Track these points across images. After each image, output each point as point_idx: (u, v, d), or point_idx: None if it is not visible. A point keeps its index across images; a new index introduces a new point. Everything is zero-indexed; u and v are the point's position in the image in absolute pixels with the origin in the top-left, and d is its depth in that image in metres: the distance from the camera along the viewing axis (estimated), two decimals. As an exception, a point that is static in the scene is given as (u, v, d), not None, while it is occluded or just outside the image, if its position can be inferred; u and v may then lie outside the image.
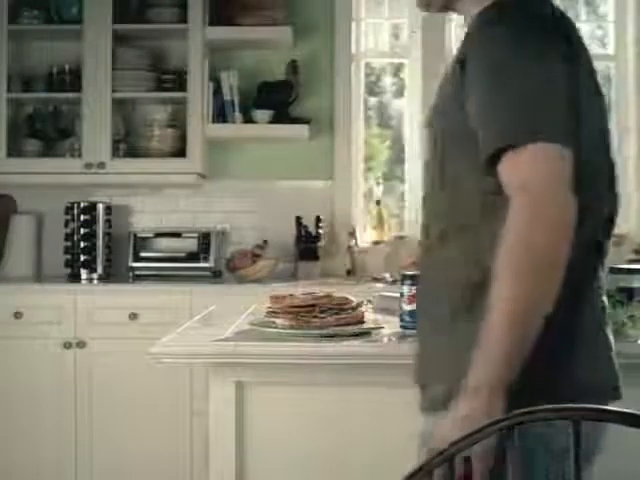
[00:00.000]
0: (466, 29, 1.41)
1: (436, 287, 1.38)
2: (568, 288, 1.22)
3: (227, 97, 3.97)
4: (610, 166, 1.37)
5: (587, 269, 1.32)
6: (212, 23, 3.92)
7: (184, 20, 3.87)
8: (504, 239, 1.19)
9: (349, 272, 4.02)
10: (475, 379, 1.20)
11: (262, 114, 3.95)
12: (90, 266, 3.91)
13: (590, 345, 1.30)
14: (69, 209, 3.92)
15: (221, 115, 3.97)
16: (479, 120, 1.26)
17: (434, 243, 1.39)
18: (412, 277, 1.99)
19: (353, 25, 4.17)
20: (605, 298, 1.37)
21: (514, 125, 1.21)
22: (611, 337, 1.35)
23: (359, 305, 2.05)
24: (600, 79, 1.39)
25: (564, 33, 1.29)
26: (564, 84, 1.24)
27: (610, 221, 1.36)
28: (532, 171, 1.19)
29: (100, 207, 3.95)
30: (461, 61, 1.30)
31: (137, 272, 3.93)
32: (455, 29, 4.20)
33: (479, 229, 1.29)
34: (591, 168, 1.29)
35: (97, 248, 3.92)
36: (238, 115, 3.96)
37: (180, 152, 3.91)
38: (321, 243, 3.99)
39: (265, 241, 3.95)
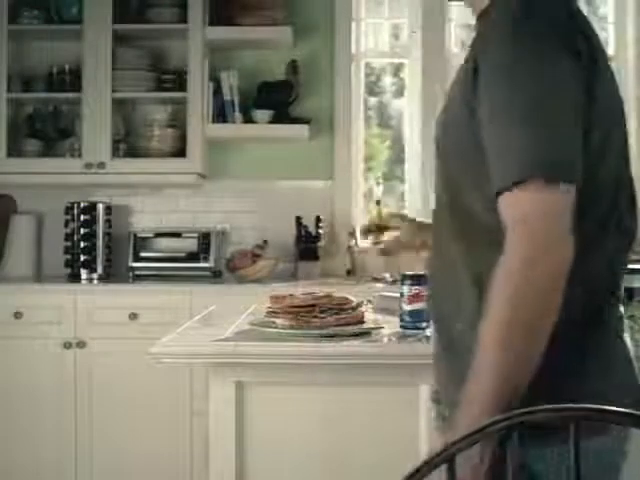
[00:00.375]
0: (474, 22, 1.38)
1: (447, 304, 1.38)
2: (586, 300, 1.24)
3: (227, 97, 3.96)
4: (629, 176, 1.34)
5: (607, 283, 1.31)
6: (212, 23, 3.91)
7: (184, 20, 3.87)
8: (500, 268, 1.18)
9: (349, 272, 4.02)
10: (467, 403, 1.20)
11: (262, 114, 3.95)
12: (90, 266, 3.91)
13: (609, 351, 1.29)
14: (69, 209, 3.92)
15: (221, 115, 3.96)
16: (487, 134, 1.23)
17: (443, 261, 1.38)
18: (412, 277, 2.00)
19: (353, 25, 4.17)
20: (622, 307, 1.35)
21: (520, 159, 1.18)
22: (629, 343, 1.33)
23: (359, 305, 2.06)
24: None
25: (581, 30, 1.26)
26: (579, 97, 1.21)
27: (630, 234, 1.33)
28: (533, 206, 1.17)
29: (100, 207, 3.95)
30: (474, 63, 1.26)
31: (137, 272, 3.92)
32: (455, 29, 4.20)
33: (487, 250, 1.26)
34: (610, 180, 1.28)
35: (97, 248, 3.92)
36: (238, 115, 3.95)
37: (180, 152, 3.91)
38: (321, 243, 3.99)
39: (265, 241, 3.95)
